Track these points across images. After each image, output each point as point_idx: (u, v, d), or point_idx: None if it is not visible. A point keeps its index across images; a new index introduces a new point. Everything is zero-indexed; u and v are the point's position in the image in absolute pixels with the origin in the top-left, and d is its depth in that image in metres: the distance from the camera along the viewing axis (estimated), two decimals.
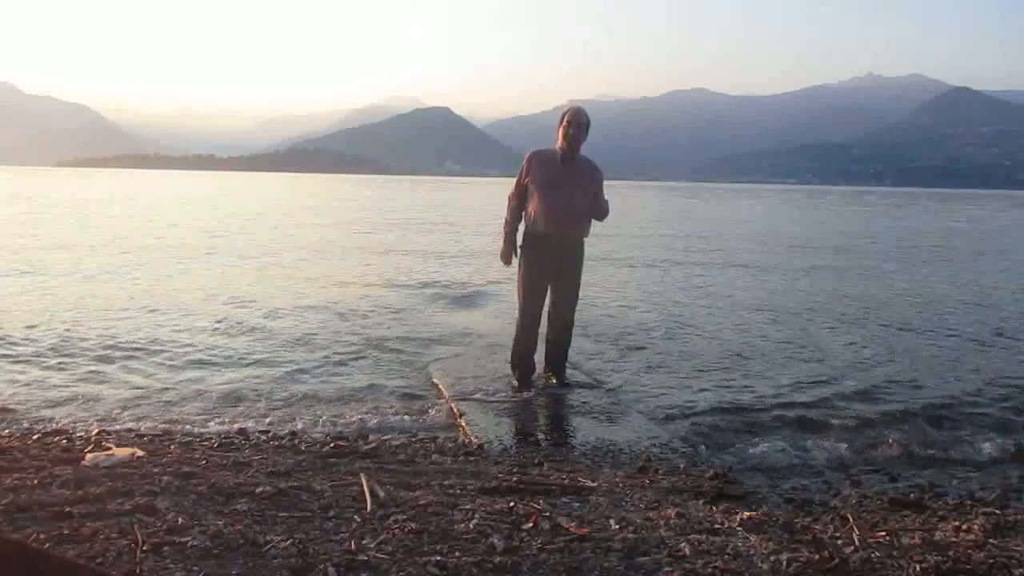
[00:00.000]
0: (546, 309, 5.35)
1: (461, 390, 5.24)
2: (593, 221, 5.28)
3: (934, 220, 38.59)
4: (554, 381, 5.27)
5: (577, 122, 5.03)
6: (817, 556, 2.44)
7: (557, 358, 5.36)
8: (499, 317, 8.16)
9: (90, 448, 3.68)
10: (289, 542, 2.43)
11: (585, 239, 5.28)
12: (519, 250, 5.25)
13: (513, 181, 5.29)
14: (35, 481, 3.00)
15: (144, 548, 2.33)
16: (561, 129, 5.07)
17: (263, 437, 4.25)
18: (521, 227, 5.28)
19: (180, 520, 2.59)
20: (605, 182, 5.29)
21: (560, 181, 5.06)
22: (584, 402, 5.03)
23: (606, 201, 5.20)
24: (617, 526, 2.73)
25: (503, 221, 5.32)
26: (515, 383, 5.30)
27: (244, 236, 18.70)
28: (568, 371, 5.56)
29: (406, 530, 2.58)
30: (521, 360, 5.35)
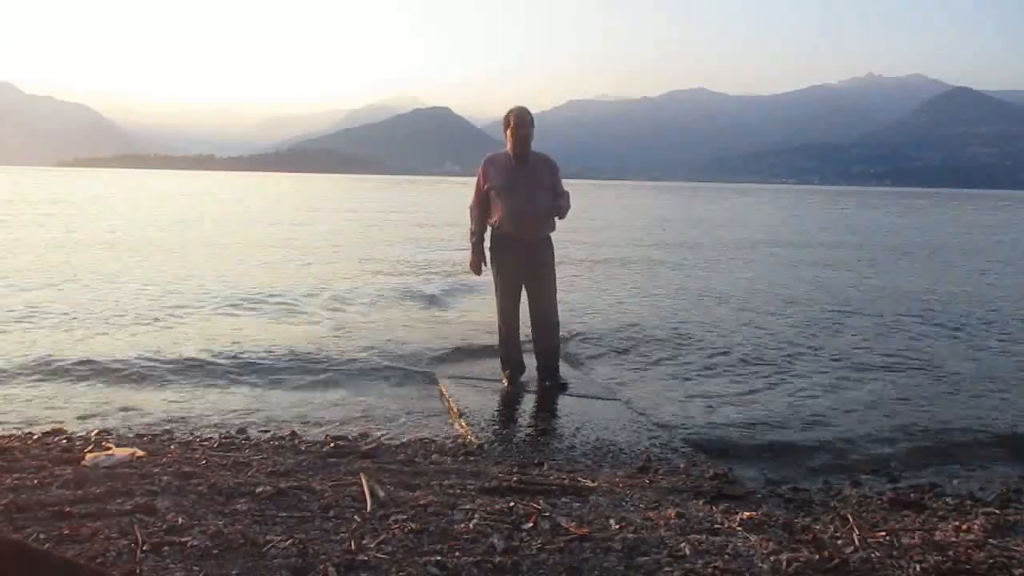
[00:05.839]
0: (534, 314, 5.32)
1: (461, 389, 5.24)
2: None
3: None
4: (547, 384, 5.26)
5: (526, 122, 5.10)
6: (817, 556, 2.44)
7: (549, 363, 5.30)
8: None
9: (90, 448, 3.68)
10: (289, 542, 2.42)
11: (552, 234, 5.29)
12: (489, 254, 5.28)
13: (472, 191, 5.29)
14: (35, 481, 2.99)
15: (144, 548, 2.33)
16: (510, 131, 5.11)
17: (263, 437, 4.26)
18: (487, 233, 5.30)
19: (180, 520, 2.59)
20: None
21: (519, 182, 5.10)
22: (584, 402, 5.03)
23: (566, 193, 5.23)
24: (617, 526, 2.73)
25: (469, 232, 5.34)
26: (505, 383, 5.34)
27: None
28: (569, 372, 5.56)
29: (406, 530, 2.57)
30: (510, 360, 5.38)
